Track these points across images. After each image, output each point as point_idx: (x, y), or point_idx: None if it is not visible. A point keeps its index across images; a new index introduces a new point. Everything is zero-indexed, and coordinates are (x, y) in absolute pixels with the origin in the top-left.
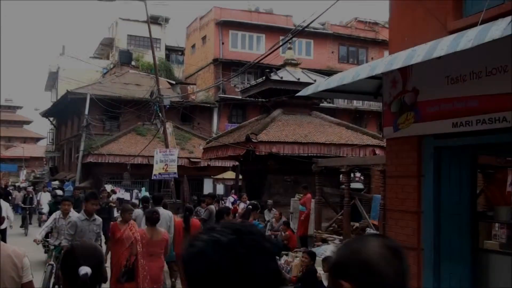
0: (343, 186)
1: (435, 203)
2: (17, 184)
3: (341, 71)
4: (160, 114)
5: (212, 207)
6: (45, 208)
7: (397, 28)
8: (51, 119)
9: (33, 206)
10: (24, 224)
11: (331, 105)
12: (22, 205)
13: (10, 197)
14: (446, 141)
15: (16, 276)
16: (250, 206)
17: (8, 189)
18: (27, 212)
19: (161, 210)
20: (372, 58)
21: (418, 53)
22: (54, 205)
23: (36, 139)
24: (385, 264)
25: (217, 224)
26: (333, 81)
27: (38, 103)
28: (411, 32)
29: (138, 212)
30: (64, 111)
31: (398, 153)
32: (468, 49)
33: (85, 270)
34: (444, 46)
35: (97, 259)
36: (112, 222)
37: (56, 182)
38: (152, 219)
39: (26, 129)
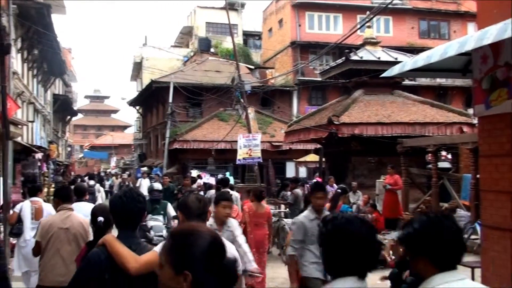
0: (430, 166)
1: None
2: (108, 171)
3: (422, 47)
4: (241, 99)
5: (298, 191)
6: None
7: (485, 0)
8: (138, 107)
9: None
10: None
11: (413, 82)
12: None
13: (103, 183)
14: None
15: (85, 235)
16: (339, 190)
17: (101, 175)
18: None
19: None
20: (454, 32)
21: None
22: (151, 204)
23: (124, 127)
24: (192, 204)
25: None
26: (420, 60)
27: (124, 93)
28: (501, 3)
29: (212, 192)
30: (149, 99)
31: (491, 132)
32: None
33: (100, 218)
34: None
35: (107, 213)
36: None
37: (145, 168)
38: (259, 196)
39: (114, 118)
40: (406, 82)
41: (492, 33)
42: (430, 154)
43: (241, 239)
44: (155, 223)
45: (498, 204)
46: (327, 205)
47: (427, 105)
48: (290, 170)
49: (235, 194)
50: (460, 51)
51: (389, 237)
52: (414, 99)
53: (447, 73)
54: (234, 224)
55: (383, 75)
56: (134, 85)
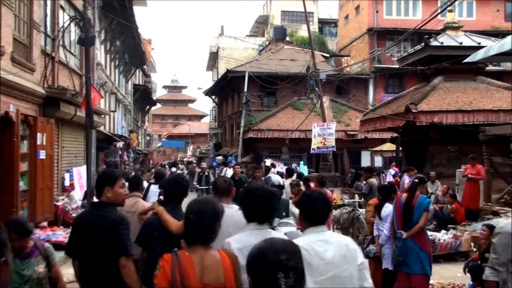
0: None
1: None
2: (185, 159)
3: (508, 31)
4: (316, 88)
5: (373, 180)
6: None
7: None
8: (213, 97)
9: (210, 187)
10: None
11: (497, 68)
12: (198, 185)
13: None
14: None
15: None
16: (416, 180)
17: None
18: (204, 194)
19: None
20: None
21: None
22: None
23: (200, 117)
24: (220, 184)
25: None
26: (507, 44)
27: (201, 82)
28: None
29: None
30: (225, 89)
31: None
32: None
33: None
34: None
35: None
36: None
37: (220, 157)
38: (321, 182)
39: (190, 107)
40: (490, 67)
41: None
42: None
43: None
44: (289, 229)
45: None
46: (404, 195)
47: None
48: (365, 159)
49: (299, 182)
50: None
51: (470, 229)
52: (498, 85)
53: None
54: None
55: (466, 60)
56: (210, 75)
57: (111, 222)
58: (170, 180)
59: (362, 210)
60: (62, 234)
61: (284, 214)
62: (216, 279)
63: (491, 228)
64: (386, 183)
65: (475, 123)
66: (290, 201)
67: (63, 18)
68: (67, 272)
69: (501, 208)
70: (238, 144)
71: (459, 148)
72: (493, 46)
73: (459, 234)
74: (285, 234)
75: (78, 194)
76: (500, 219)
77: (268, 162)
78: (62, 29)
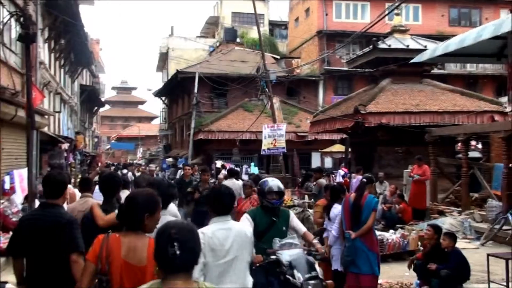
0: (460, 156)
1: None
2: (134, 162)
3: (452, 35)
4: (266, 89)
5: (322, 181)
6: None
7: None
8: (163, 98)
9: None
10: None
11: (442, 71)
12: None
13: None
14: None
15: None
16: (364, 180)
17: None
18: None
19: (232, 181)
20: (486, 19)
21: None
22: (266, 217)
23: (150, 118)
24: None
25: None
26: (452, 44)
27: (150, 84)
28: None
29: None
30: (175, 90)
31: None
32: None
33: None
34: None
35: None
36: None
37: (170, 159)
38: (257, 181)
39: (140, 109)
40: (435, 70)
41: None
42: (460, 144)
43: None
44: (294, 252)
45: None
46: (352, 195)
47: (457, 94)
48: (315, 161)
49: (239, 183)
50: (495, 33)
51: (417, 228)
52: (443, 87)
53: (481, 58)
54: None
55: (413, 60)
56: (160, 76)
57: (65, 221)
58: (104, 176)
59: (312, 211)
60: (1, 240)
61: (284, 229)
62: (139, 260)
63: (435, 228)
64: (335, 183)
65: (422, 124)
66: (291, 212)
67: (2, 13)
68: (7, 278)
69: (447, 207)
70: (188, 145)
71: (406, 149)
72: (438, 47)
73: (407, 234)
74: (288, 263)
75: (19, 198)
76: (446, 218)
77: (218, 163)
78: (1, 25)
